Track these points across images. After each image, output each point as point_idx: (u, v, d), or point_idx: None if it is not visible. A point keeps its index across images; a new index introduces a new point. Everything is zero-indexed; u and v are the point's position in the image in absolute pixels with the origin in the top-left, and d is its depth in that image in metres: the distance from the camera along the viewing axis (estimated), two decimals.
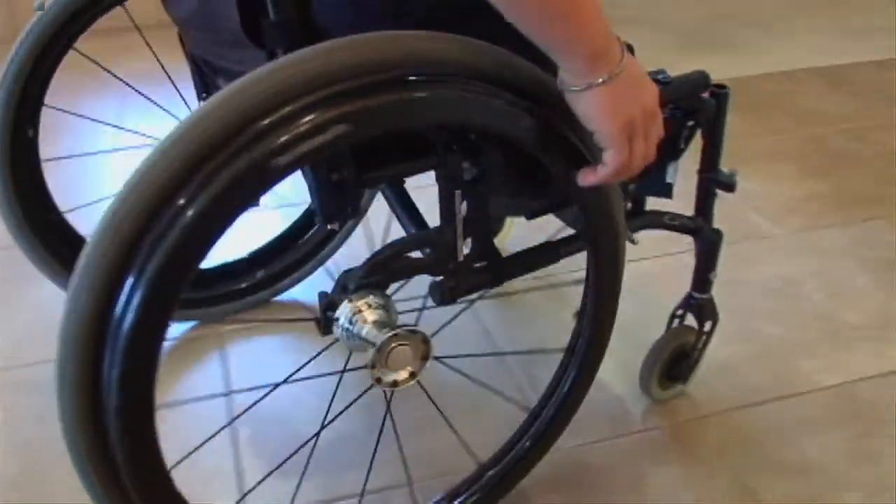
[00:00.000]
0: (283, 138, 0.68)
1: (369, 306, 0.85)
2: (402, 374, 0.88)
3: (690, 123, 1.08)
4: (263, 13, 0.77)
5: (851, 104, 2.29)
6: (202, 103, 0.70)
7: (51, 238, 1.27)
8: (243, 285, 1.46)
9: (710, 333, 1.26)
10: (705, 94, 1.08)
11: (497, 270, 0.94)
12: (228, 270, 1.45)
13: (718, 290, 1.21)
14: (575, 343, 1.03)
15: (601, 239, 0.94)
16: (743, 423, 1.25)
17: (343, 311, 0.86)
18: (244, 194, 0.69)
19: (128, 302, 0.67)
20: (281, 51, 0.77)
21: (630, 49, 0.85)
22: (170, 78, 1.30)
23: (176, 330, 1.44)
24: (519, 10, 0.71)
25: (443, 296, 0.92)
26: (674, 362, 1.26)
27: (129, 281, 0.67)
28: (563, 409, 1.06)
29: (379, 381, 0.87)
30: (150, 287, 0.67)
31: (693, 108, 1.07)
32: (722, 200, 1.16)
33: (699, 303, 1.23)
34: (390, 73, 0.72)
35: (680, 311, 1.25)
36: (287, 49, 0.75)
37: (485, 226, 0.92)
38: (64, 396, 0.70)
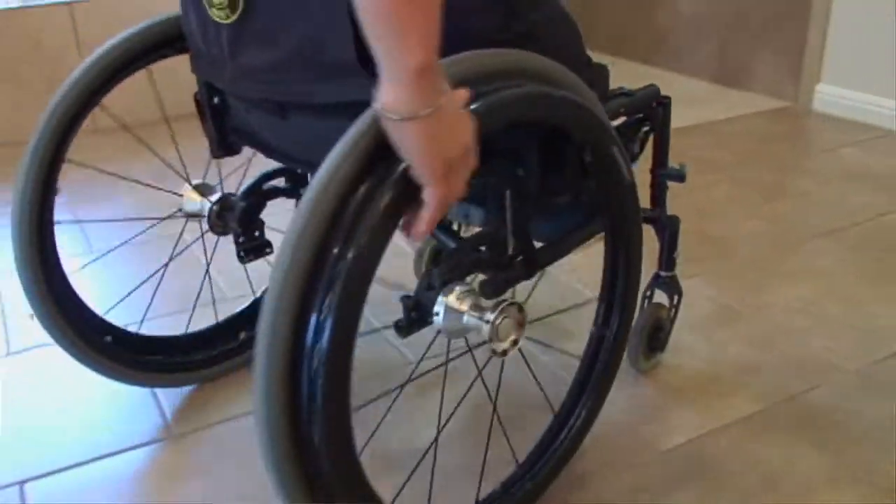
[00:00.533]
0: None
1: (460, 297, 0.96)
2: (511, 339, 1.01)
3: (646, 129, 1.31)
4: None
5: None
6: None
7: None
8: (235, 345, 1.53)
9: (678, 305, 1.49)
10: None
11: (532, 262, 1.07)
12: (221, 332, 1.53)
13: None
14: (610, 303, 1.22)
15: (629, 220, 1.16)
16: (592, 499, 1.21)
17: (440, 306, 0.95)
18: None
19: (320, 321, 0.79)
20: None
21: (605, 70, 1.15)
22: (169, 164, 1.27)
23: None
24: (383, 24, 0.72)
25: (496, 289, 1.02)
26: (652, 336, 1.47)
27: (318, 299, 0.79)
28: (612, 362, 1.24)
29: (495, 352, 0.99)
30: (345, 295, 0.79)
31: (648, 116, 1.31)
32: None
33: (667, 280, 1.47)
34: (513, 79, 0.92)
35: (648, 291, 1.46)
36: None
37: (525, 223, 1.04)
38: (268, 416, 0.80)
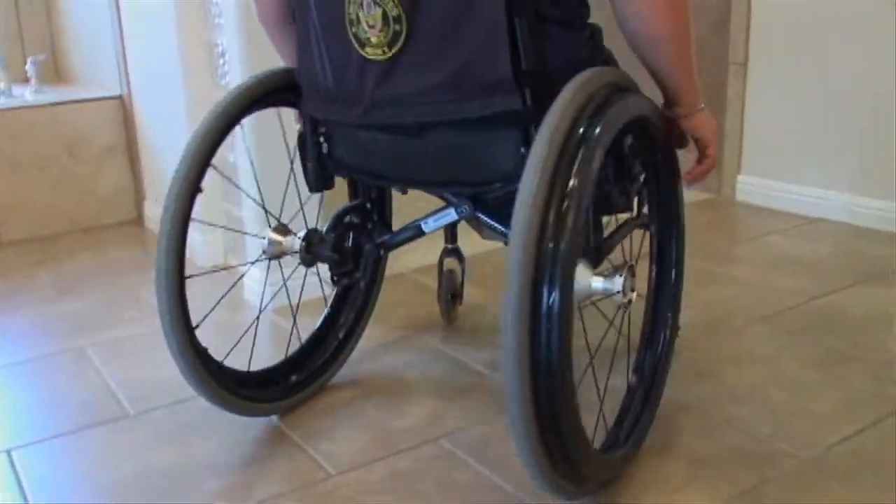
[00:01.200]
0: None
1: (584, 271, 1.18)
2: (633, 293, 1.27)
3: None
4: (518, 67, 1.19)
5: None
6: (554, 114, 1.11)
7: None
8: (302, 377, 1.65)
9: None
10: None
11: (600, 251, 1.31)
12: (289, 367, 1.65)
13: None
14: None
15: (680, 203, 1.51)
16: None
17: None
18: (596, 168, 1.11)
19: (550, 290, 1.05)
20: (528, 90, 1.19)
21: None
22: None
23: None
24: (678, 65, 1.28)
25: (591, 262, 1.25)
26: None
27: (547, 271, 1.05)
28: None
29: (621, 304, 1.25)
30: (564, 273, 1.05)
31: None
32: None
33: None
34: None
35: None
36: (532, 89, 1.19)
37: (599, 219, 1.31)
38: (516, 372, 1.05)
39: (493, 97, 1.20)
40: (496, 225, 1.44)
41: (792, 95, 2.75)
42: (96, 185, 2.96)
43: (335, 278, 1.60)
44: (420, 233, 1.55)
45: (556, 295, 1.04)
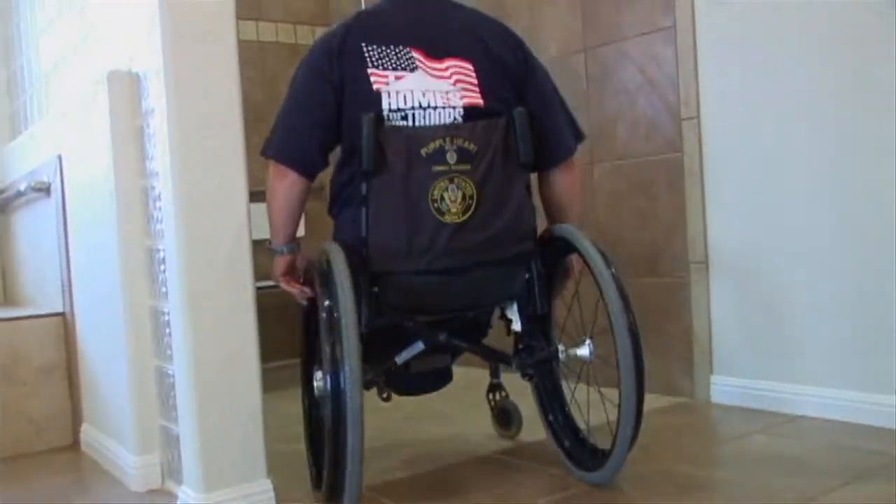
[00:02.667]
0: None
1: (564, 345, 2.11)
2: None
3: None
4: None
5: None
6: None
7: None
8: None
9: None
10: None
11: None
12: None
13: None
14: None
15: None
16: None
17: (563, 353, 2.08)
18: None
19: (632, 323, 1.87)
20: (534, 239, 2.01)
21: None
22: None
23: None
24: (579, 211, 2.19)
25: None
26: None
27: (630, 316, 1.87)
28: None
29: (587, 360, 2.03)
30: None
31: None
32: None
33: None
34: None
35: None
36: (534, 239, 2.01)
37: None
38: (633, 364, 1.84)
39: (521, 244, 1.95)
40: (462, 343, 2.08)
41: (756, 290, 2.68)
42: (31, 409, 2.75)
43: (384, 396, 2.12)
44: (394, 364, 2.04)
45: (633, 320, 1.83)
